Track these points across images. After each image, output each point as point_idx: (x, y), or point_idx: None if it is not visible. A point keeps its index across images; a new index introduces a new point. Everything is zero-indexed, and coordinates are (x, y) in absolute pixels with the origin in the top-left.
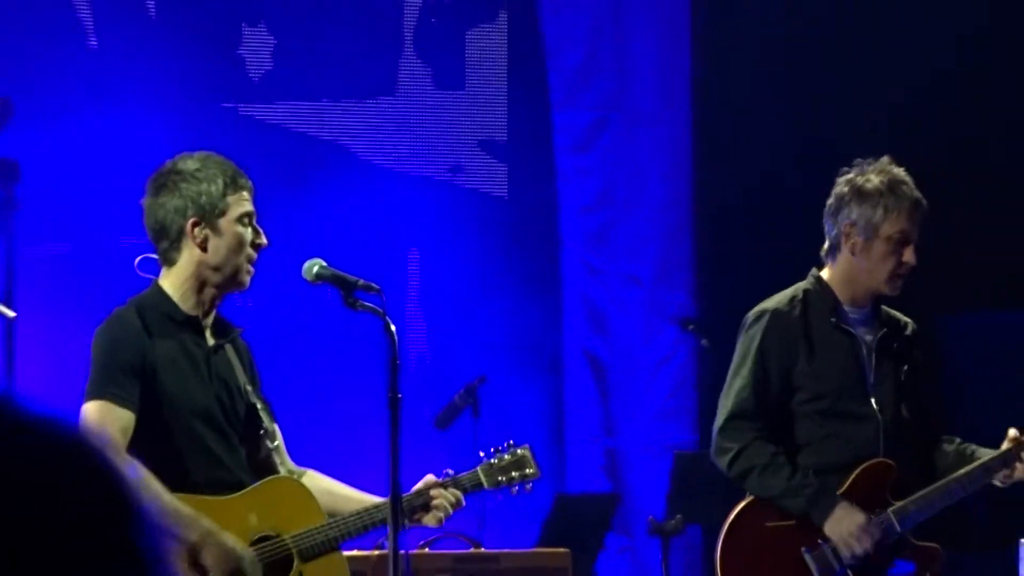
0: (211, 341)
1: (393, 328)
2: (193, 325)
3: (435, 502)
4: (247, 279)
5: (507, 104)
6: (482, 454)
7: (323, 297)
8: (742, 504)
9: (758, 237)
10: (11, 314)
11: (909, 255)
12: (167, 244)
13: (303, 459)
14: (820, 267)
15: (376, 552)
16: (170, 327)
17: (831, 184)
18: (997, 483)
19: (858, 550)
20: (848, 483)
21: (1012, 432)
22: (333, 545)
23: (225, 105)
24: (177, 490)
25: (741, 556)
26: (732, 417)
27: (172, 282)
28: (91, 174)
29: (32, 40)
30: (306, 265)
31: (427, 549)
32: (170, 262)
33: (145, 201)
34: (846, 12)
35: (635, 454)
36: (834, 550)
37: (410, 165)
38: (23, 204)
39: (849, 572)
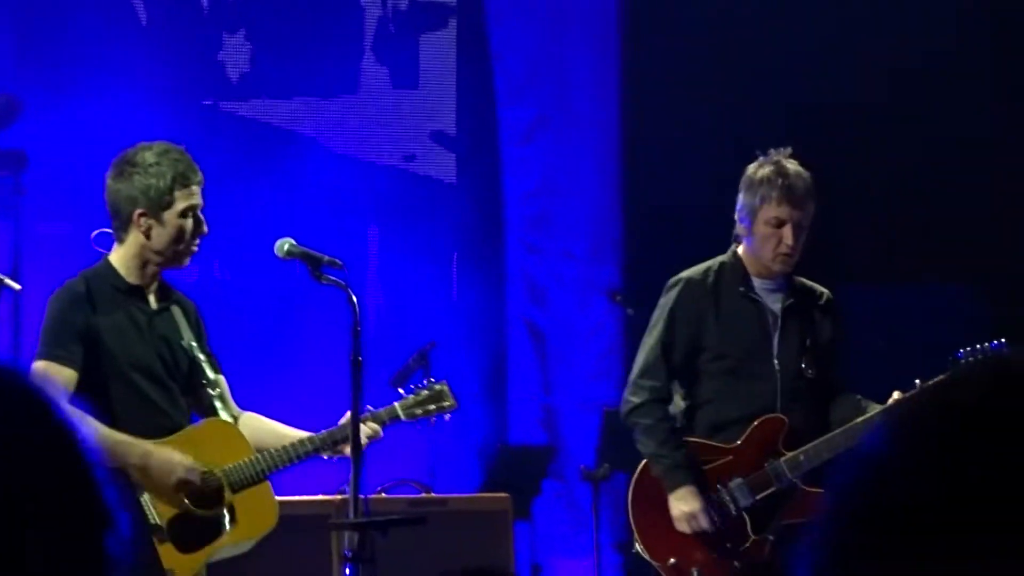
0: (154, 305)
1: (355, 299)
2: (138, 293)
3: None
4: (186, 261)
5: (456, 101)
6: (401, 391)
7: (292, 272)
8: (645, 459)
9: (680, 219)
10: (16, 286)
11: (787, 237)
12: (118, 224)
13: (271, 414)
14: (737, 243)
15: (338, 496)
16: (116, 295)
17: (739, 174)
18: None
19: (688, 531)
20: (744, 436)
21: (896, 394)
22: (260, 477)
23: (206, 102)
24: None
25: (646, 500)
26: (640, 374)
27: (119, 257)
28: (91, 162)
29: (41, 40)
30: (278, 243)
31: (383, 494)
32: (120, 240)
33: (106, 182)
34: (765, 19)
35: (569, 411)
36: (732, 495)
37: (370, 155)
38: (29, 189)
39: (745, 515)
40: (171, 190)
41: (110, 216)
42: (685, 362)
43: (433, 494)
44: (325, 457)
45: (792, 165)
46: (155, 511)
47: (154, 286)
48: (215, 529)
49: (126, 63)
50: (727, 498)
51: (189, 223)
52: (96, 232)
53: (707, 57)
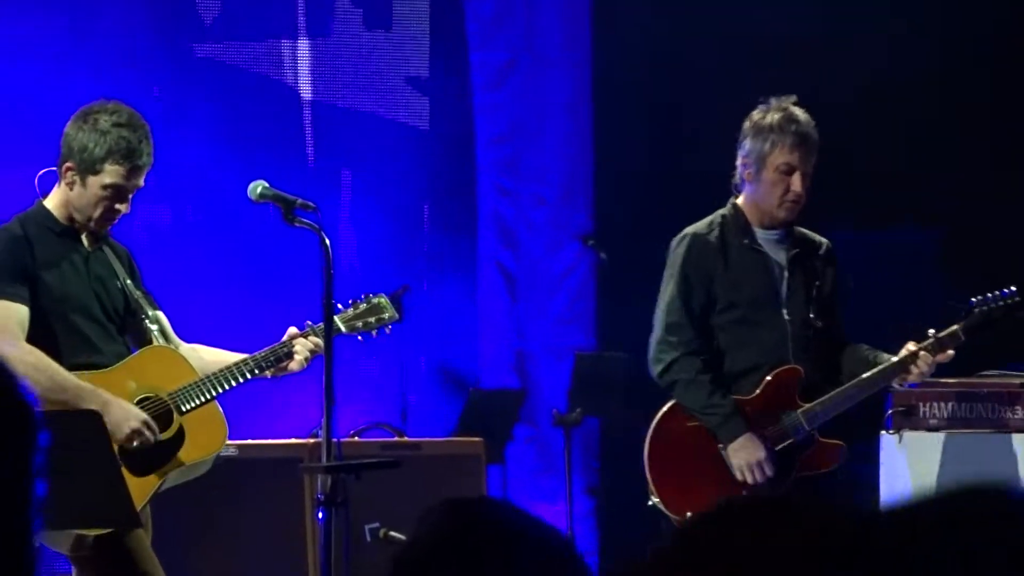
0: (88, 247)
1: (328, 242)
2: (71, 234)
3: (296, 348)
4: (101, 230)
5: (429, 45)
6: (340, 306)
7: (265, 214)
8: (666, 406)
9: (651, 163)
10: None
11: (796, 184)
12: (59, 167)
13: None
14: (736, 195)
15: (311, 440)
16: (50, 237)
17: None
18: (896, 385)
19: (751, 480)
20: (760, 387)
21: (910, 345)
22: (207, 397)
23: (179, 45)
24: None
25: (665, 452)
26: (666, 330)
27: (54, 201)
28: (52, 103)
29: None
30: (251, 186)
31: (356, 438)
32: (58, 183)
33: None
34: None
35: (541, 355)
36: None
37: (342, 98)
38: None
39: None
40: (103, 160)
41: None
42: (702, 315)
43: (406, 438)
44: (269, 376)
45: (801, 112)
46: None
47: (86, 230)
48: (166, 453)
49: (97, 3)
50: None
51: (108, 200)
52: (42, 172)
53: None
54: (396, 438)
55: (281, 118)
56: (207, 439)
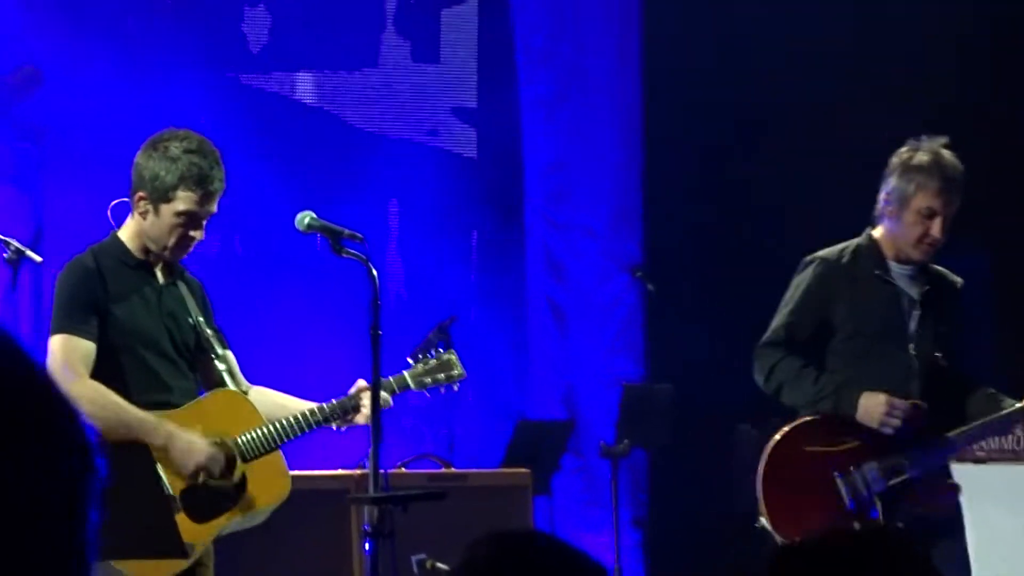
0: (162, 280)
1: (375, 272)
2: (145, 268)
3: (363, 402)
4: (176, 258)
5: (477, 77)
6: (410, 360)
7: (312, 246)
8: (782, 431)
9: (699, 195)
10: (37, 258)
11: (936, 229)
12: (131, 197)
13: (290, 388)
14: (874, 226)
15: (358, 471)
16: (124, 270)
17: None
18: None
19: (892, 425)
20: None
21: None
22: (272, 446)
23: (227, 74)
24: None
25: (778, 477)
26: (765, 344)
27: (128, 232)
28: (110, 135)
29: (64, 15)
30: (298, 216)
31: (403, 469)
32: (131, 213)
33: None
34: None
35: (588, 386)
36: (864, 478)
37: (392, 128)
38: (51, 162)
39: (876, 499)
40: (175, 187)
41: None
42: (813, 341)
43: (453, 469)
44: (335, 428)
45: (949, 155)
46: (168, 482)
47: (160, 262)
48: (228, 499)
49: (148, 35)
50: (860, 480)
51: (183, 228)
52: (115, 202)
53: (725, 32)
54: (443, 469)
55: (329, 148)
56: (268, 490)
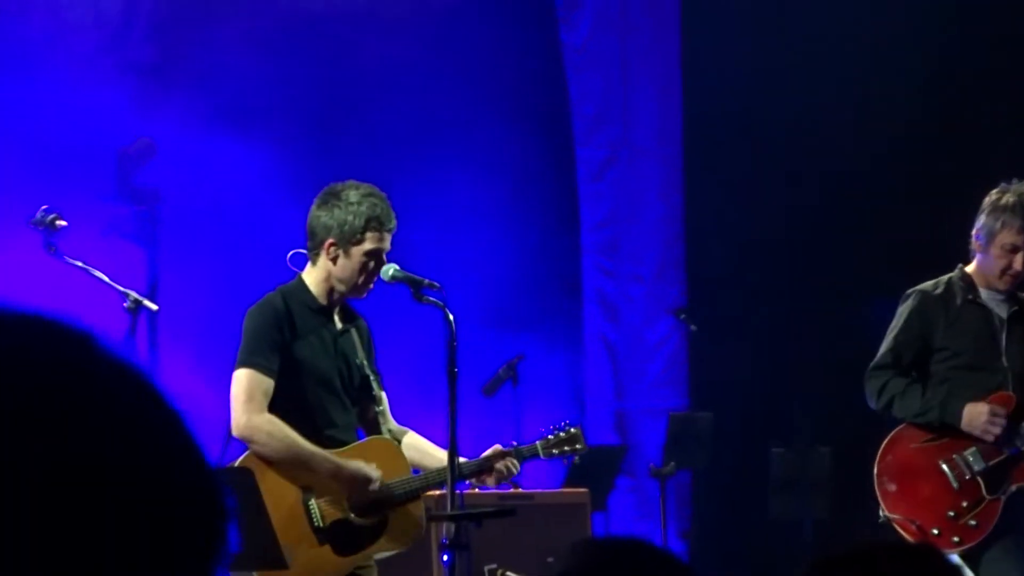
0: (339, 325)
1: (452, 317)
2: (326, 313)
3: (497, 466)
4: (363, 294)
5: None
6: (542, 429)
7: (397, 293)
8: (893, 432)
9: (738, 243)
10: (154, 307)
11: (1018, 263)
12: (312, 247)
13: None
14: (966, 262)
15: (438, 492)
16: (307, 313)
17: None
18: None
19: (994, 432)
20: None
21: None
22: (416, 494)
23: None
24: None
25: (892, 469)
26: (874, 368)
27: (312, 278)
28: (217, 199)
29: (169, 86)
30: (383, 269)
31: (477, 489)
32: (312, 262)
33: (311, 208)
34: (809, 53)
35: (639, 415)
36: (966, 461)
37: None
38: (166, 221)
39: (979, 479)
40: (364, 230)
41: (308, 239)
42: (917, 363)
43: (521, 489)
44: (468, 483)
45: None
46: (320, 514)
47: (338, 307)
48: (370, 537)
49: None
50: (962, 463)
51: (371, 263)
52: (292, 253)
53: (759, 95)
54: (512, 489)
55: (407, 206)
56: (404, 534)
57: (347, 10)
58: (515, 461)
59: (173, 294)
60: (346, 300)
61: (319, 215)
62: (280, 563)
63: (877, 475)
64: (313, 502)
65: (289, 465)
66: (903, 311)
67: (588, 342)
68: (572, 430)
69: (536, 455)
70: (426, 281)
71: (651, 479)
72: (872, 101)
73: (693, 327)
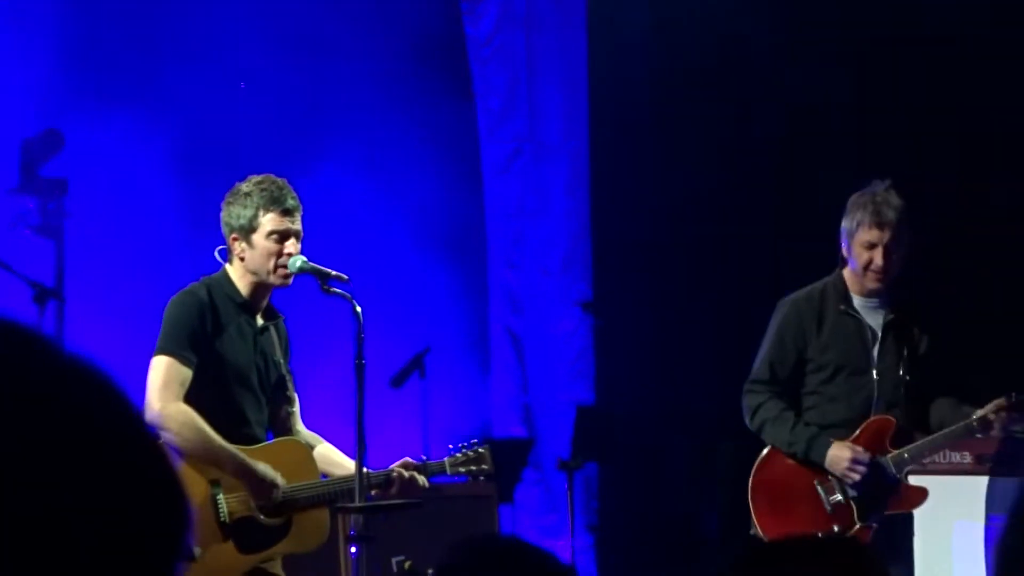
0: (260, 322)
1: (359, 309)
2: (248, 308)
3: (404, 478)
4: (277, 280)
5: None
6: (451, 446)
7: (304, 284)
8: (766, 450)
9: (644, 238)
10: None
11: (877, 258)
12: (228, 246)
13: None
14: (842, 266)
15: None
16: (230, 306)
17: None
18: (978, 436)
19: (853, 478)
20: (857, 433)
21: (997, 401)
22: (322, 500)
23: None
24: None
25: (765, 487)
26: (751, 382)
27: (234, 273)
28: (127, 186)
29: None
30: (291, 260)
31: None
32: (230, 259)
33: None
34: (716, 52)
35: (546, 408)
36: (840, 484)
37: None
38: (73, 214)
39: (852, 502)
40: (256, 216)
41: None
42: (793, 374)
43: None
44: (373, 493)
45: (885, 194)
46: (227, 509)
47: (263, 304)
48: (273, 537)
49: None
50: (836, 485)
51: (276, 246)
52: (219, 248)
53: (665, 89)
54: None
55: (311, 206)
56: (309, 536)
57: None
58: (424, 475)
59: (80, 285)
60: (271, 297)
61: (222, 215)
62: (188, 553)
63: (751, 489)
64: (221, 496)
65: (198, 458)
66: (776, 322)
67: (494, 335)
68: (480, 450)
69: (443, 471)
70: (333, 273)
71: (558, 472)
72: (784, 92)
73: (600, 321)
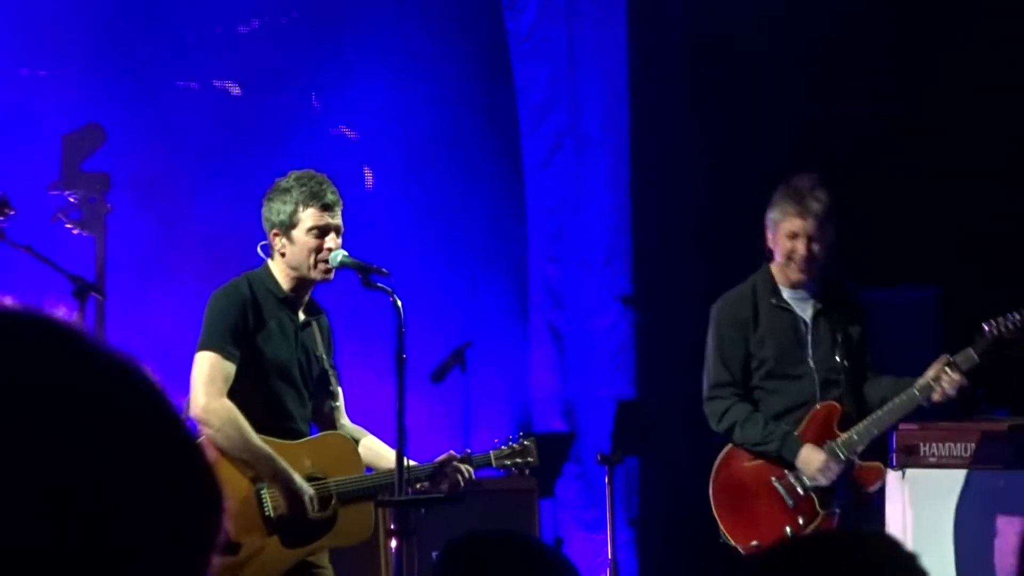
0: (302, 318)
1: (399, 303)
2: (290, 303)
3: (450, 472)
4: (318, 275)
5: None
6: (496, 440)
7: (345, 279)
8: (724, 451)
9: (685, 232)
10: (100, 296)
11: (800, 247)
12: (269, 242)
13: None
14: (770, 259)
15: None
16: (272, 301)
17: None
18: (923, 404)
19: (825, 481)
20: (804, 423)
21: (937, 364)
22: (366, 493)
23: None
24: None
25: (727, 490)
26: (712, 387)
27: (276, 268)
28: (169, 178)
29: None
30: (331, 255)
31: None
32: (272, 255)
33: None
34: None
35: (586, 402)
36: (797, 478)
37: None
38: (116, 209)
39: (812, 493)
40: (296, 211)
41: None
42: (745, 371)
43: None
44: (419, 486)
45: (809, 185)
46: (272, 504)
47: (305, 300)
48: (318, 531)
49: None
50: (794, 479)
51: (317, 241)
52: (262, 244)
53: (704, 85)
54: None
55: (351, 196)
56: (354, 530)
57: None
58: (469, 468)
59: (121, 281)
60: (312, 293)
61: (263, 211)
62: (228, 548)
63: (713, 495)
64: (266, 491)
65: (236, 457)
66: (715, 325)
67: (535, 329)
68: (526, 443)
69: (488, 464)
70: (375, 267)
71: (598, 466)
72: (824, 96)
73: (640, 315)
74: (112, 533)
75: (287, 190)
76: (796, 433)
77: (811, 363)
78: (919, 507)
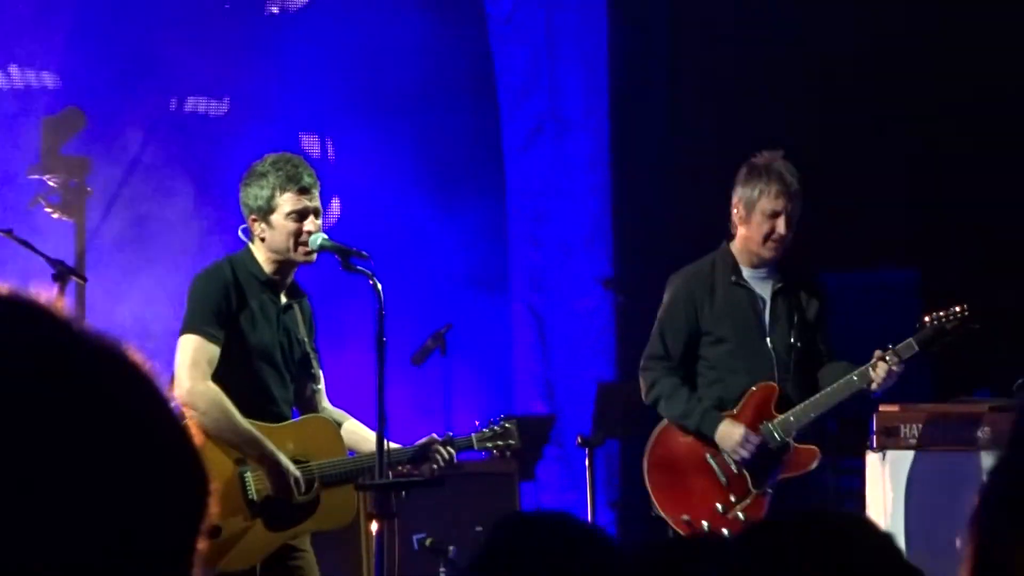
0: (284, 300)
1: (379, 286)
2: (272, 285)
3: (433, 455)
4: (300, 257)
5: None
6: (477, 422)
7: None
8: (658, 428)
9: (666, 215)
10: (81, 280)
11: (780, 226)
12: (248, 227)
13: None
14: (730, 238)
15: None
16: (254, 284)
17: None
18: (864, 389)
19: (742, 456)
20: (740, 405)
21: (878, 352)
22: (349, 477)
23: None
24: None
25: (662, 464)
26: (646, 359)
27: (257, 251)
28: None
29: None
30: (311, 238)
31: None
32: (252, 239)
33: None
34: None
35: (567, 384)
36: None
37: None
38: (95, 191)
39: (745, 471)
40: (272, 196)
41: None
42: (688, 348)
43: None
44: (402, 469)
45: (784, 162)
46: (255, 487)
47: (287, 282)
48: (301, 514)
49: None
50: (728, 458)
51: (295, 225)
52: (242, 227)
53: (684, 67)
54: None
55: (328, 185)
56: (336, 514)
57: None
58: (451, 450)
59: (101, 265)
60: (295, 276)
61: (241, 196)
62: (211, 531)
63: (647, 469)
64: (248, 474)
65: (223, 439)
66: (668, 297)
67: (515, 312)
68: (507, 425)
69: (470, 447)
70: (354, 250)
71: (579, 449)
72: (802, 79)
73: (621, 298)
74: (98, 515)
75: (263, 175)
76: (734, 412)
77: (768, 342)
78: (899, 488)
